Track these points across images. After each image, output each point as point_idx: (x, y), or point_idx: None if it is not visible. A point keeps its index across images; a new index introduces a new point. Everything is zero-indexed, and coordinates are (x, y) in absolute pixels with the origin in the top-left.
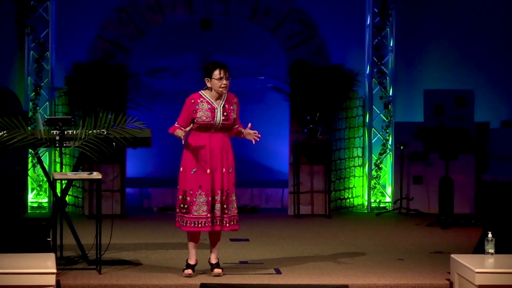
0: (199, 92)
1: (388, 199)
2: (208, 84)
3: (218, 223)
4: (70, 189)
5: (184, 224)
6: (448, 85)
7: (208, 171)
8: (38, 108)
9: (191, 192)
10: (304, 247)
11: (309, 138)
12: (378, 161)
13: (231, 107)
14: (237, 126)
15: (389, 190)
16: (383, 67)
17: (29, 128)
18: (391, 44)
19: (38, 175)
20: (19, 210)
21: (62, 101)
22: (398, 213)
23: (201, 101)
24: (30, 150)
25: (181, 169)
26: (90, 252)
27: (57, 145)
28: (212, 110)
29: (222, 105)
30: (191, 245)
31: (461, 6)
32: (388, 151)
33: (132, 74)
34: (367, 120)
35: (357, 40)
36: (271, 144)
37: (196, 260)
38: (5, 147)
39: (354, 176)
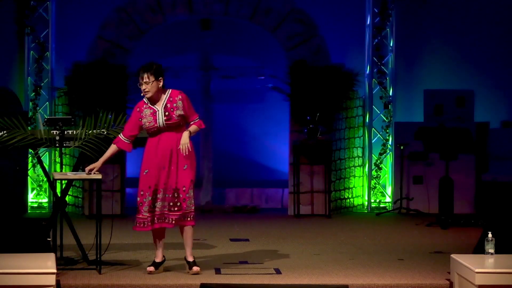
0: (144, 99)
1: (388, 199)
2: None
3: (166, 220)
4: (70, 189)
5: (136, 224)
6: (448, 85)
7: (156, 171)
8: (38, 108)
9: (142, 193)
10: (304, 247)
11: (309, 138)
12: (378, 161)
13: (174, 105)
14: (192, 122)
15: (389, 190)
16: (383, 67)
17: (29, 128)
18: (391, 44)
19: (38, 175)
20: (19, 210)
21: (62, 101)
22: (398, 213)
23: (145, 108)
24: (30, 150)
25: (141, 171)
26: (90, 252)
27: (57, 145)
28: (154, 113)
29: (163, 106)
30: (155, 244)
31: (461, 6)
32: (388, 151)
33: (132, 74)
34: (367, 120)
35: (357, 40)
36: (271, 144)
37: (163, 257)
38: (5, 147)
39: (354, 176)
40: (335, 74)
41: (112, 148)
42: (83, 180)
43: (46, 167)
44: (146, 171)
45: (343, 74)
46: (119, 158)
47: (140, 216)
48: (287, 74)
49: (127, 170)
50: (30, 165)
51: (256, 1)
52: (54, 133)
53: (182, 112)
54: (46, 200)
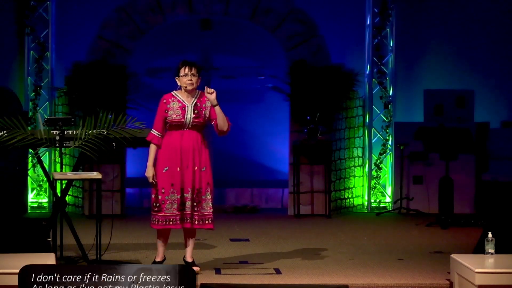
0: (172, 92)
1: (388, 199)
2: (178, 83)
3: (187, 220)
4: (70, 189)
5: (156, 222)
6: (448, 85)
7: (178, 169)
8: (38, 108)
9: (163, 190)
10: (304, 247)
11: (309, 138)
12: (378, 161)
13: (204, 105)
14: (214, 120)
15: (389, 190)
16: (383, 67)
17: (29, 128)
18: (391, 44)
19: (38, 175)
20: (19, 210)
21: (62, 101)
22: (398, 213)
23: (173, 100)
24: (30, 150)
25: (154, 168)
26: (90, 252)
27: (57, 145)
28: (183, 108)
29: (193, 104)
30: (159, 243)
31: (461, 6)
32: (388, 151)
33: (132, 74)
34: (367, 120)
35: (357, 40)
36: (271, 144)
37: (164, 256)
38: (5, 147)
39: (354, 176)
40: (335, 74)
41: (154, 148)
42: (83, 180)
43: (46, 167)
44: (166, 168)
45: (343, 74)
46: (119, 158)
47: (163, 213)
48: (287, 74)
49: (127, 170)
50: (30, 165)
51: (256, 1)
52: (54, 133)
53: (208, 113)
54: (46, 200)
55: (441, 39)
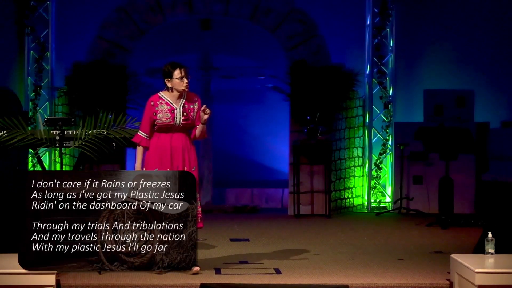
0: (158, 93)
1: (388, 199)
2: (169, 85)
3: None
4: None
5: None
6: (448, 85)
7: (169, 170)
8: (38, 108)
9: None
10: (304, 247)
11: (309, 138)
12: (378, 161)
13: (191, 107)
14: (195, 128)
15: (389, 190)
16: (383, 67)
17: (29, 128)
18: (391, 44)
19: None
20: (19, 210)
21: (62, 101)
22: (398, 213)
23: (161, 103)
24: (30, 150)
25: (144, 169)
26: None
27: (57, 145)
28: (172, 111)
29: (181, 105)
30: None
31: (461, 6)
32: (388, 151)
33: (132, 74)
34: (367, 120)
35: (357, 40)
36: (271, 144)
37: None
38: (5, 147)
39: (354, 176)
40: (335, 74)
41: (141, 151)
42: None
43: (46, 167)
44: (155, 169)
45: (343, 74)
46: (119, 157)
47: None
48: (287, 74)
49: (127, 170)
50: (30, 165)
51: (256, 1)
52: (54, 133)
53: (195, 116)
54: None
55: (441, 39)
